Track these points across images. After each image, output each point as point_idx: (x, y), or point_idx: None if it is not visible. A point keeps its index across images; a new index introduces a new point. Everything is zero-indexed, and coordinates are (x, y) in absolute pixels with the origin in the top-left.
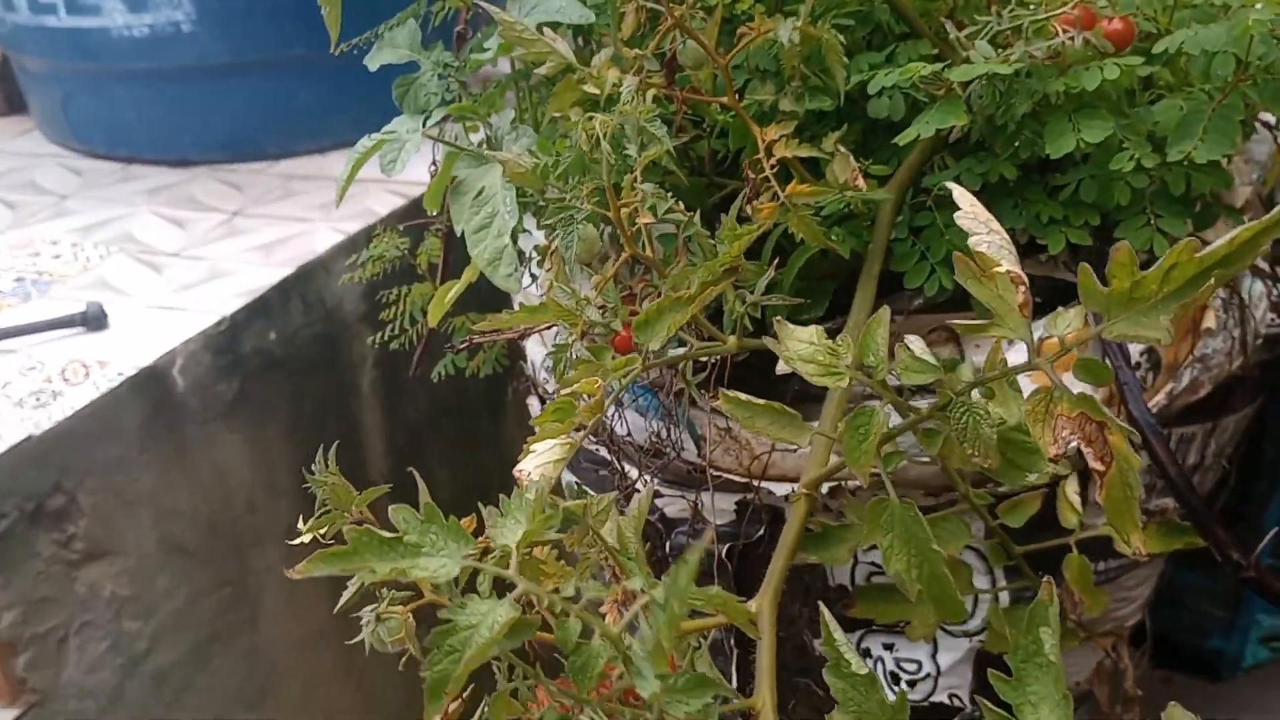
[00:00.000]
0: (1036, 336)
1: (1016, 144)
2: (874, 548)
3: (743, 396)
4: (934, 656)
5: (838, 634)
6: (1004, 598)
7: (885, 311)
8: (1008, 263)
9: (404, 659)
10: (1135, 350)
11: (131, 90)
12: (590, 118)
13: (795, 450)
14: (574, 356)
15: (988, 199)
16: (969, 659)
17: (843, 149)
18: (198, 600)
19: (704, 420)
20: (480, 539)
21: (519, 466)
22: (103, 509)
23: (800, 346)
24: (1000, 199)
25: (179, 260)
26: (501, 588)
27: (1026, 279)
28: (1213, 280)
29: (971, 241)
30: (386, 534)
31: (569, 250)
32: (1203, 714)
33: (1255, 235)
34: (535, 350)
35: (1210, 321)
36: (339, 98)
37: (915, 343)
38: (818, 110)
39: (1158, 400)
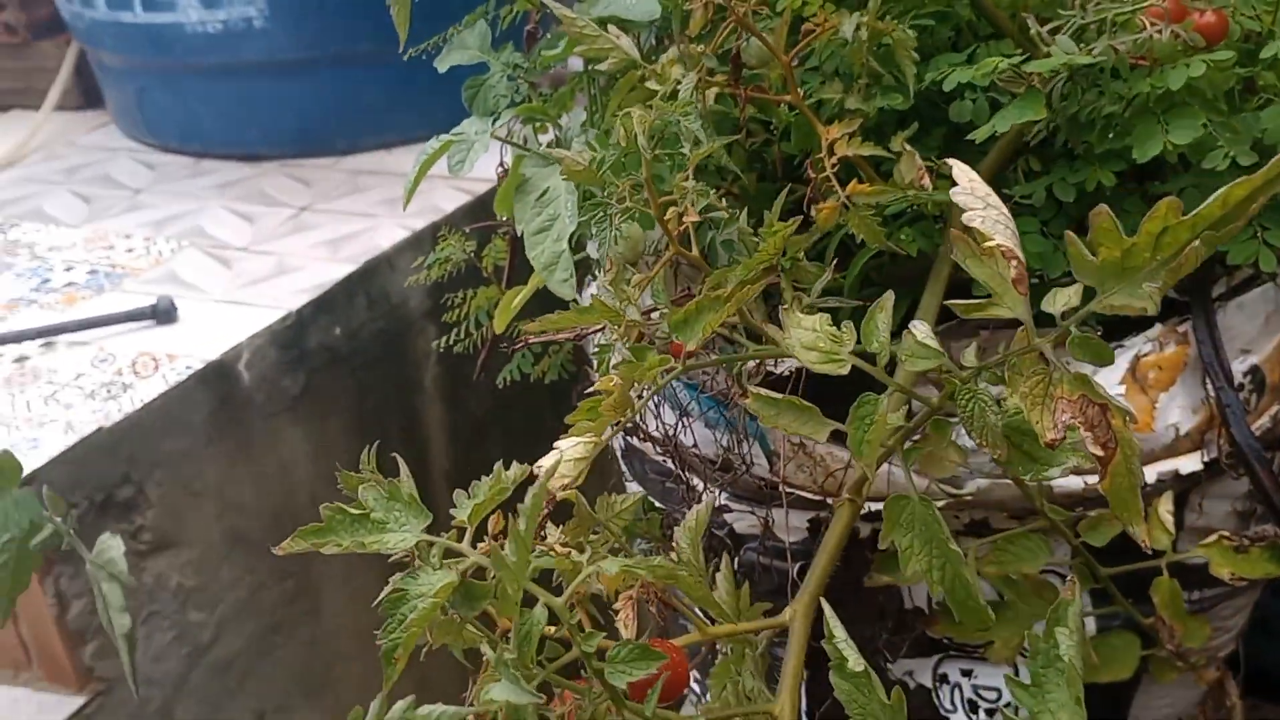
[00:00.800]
0: (1132, 354)
1: (1110, 136)
2: None
3: (765, 393)
4: None
5: (838, 630)
6: (1091, 625)
7: (889, 296)
8: (1001, 237)
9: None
10: (1238, 370)
11: (204, 85)
12: (628, 113)
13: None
14: (619, 357)
15: (1083, 209)
16: None
17: (909, 147)
18: (261, 591)
19: (777, 435)
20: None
21: (540, 461)
22: (170, 500)
23: (803, 334)
24: None
25: (247, 255)
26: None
27: (1020, 255)
28: (1201, 245)
29: (965, 217)
30: (356, 511)
31: (604, 247)
32: None
33: (1249, 194)
34: None
35: None
36: (406, 93)
37: (920, 327)
38: (895, 113)
39: (1261, 423)
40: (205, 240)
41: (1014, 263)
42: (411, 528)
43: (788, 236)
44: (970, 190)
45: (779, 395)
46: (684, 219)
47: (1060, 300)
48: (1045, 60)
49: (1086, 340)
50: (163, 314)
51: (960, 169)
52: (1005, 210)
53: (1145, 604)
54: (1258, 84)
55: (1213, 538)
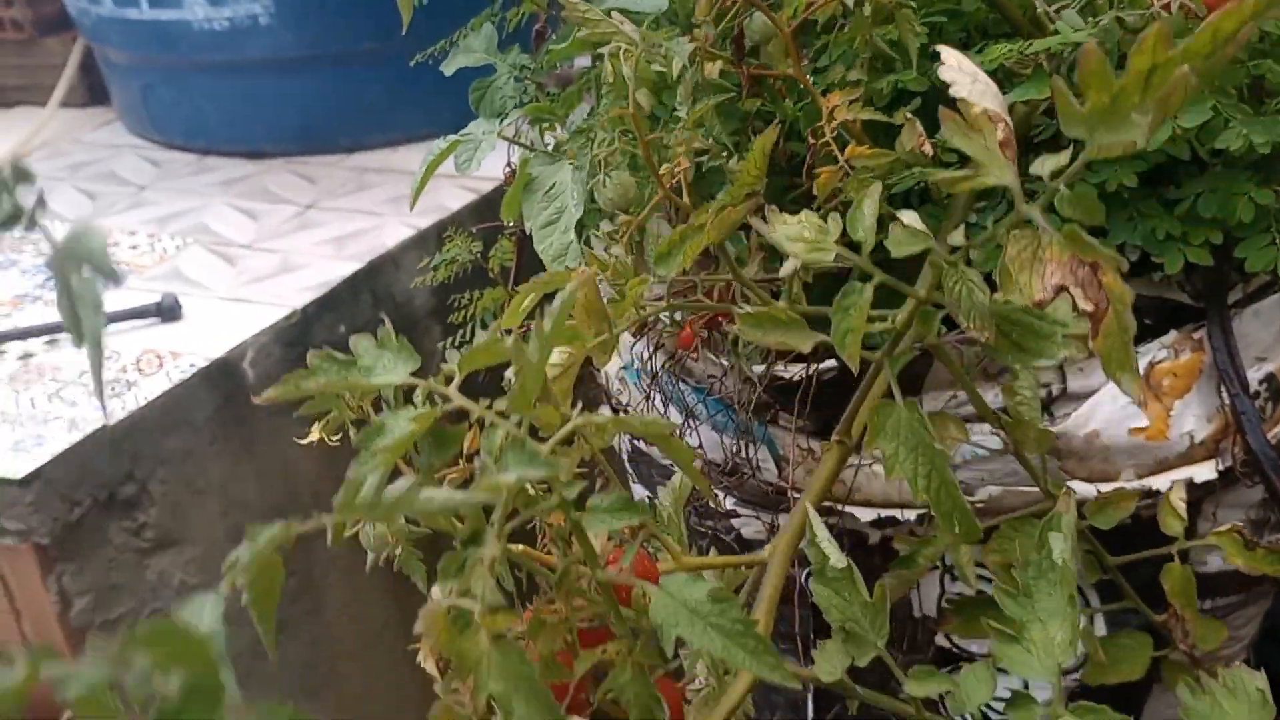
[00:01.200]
0: (1147, 361)
1: None
2: (957, 578)
3: (749, 309)
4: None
5: (820, 531)
6: (1102, 625)
7: (877, 186)
8: (987, 102)
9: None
10: (1254, 378)
11: (209, 82)
12: (616, 49)
13: (877, 469)
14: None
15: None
16: (1061, 700)
17: (910, 116)
18: None
19: (786, 440)
20: None
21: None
22: (173, 498)
23: (788, 228)
24: (1115, 211)
25: (252, 252)
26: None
27: (1007, 118)
28: (1191, 73)
29: (952, 90)
30: (343, 356)
31: (588, 187)
32: None
33: (1239, 25)
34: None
35: None
36: (411, 91)
37: (907, 215)
38: (907, 97)
39: (1277, 432)
40: (210, 237)
41: (1000, 125)
42: (399, 373)
43: (769, 152)
44: (958, 67)
45: (763, 309)
46: (675, 172)
47: (1049, 164)
48: (1049, 38)
49: (1078, 197)
50: (167, 311)
51: (949, 52)
52: (994, 86)
53: (1158, 608)
54: (1266, 81)
55: (1225, 526)
